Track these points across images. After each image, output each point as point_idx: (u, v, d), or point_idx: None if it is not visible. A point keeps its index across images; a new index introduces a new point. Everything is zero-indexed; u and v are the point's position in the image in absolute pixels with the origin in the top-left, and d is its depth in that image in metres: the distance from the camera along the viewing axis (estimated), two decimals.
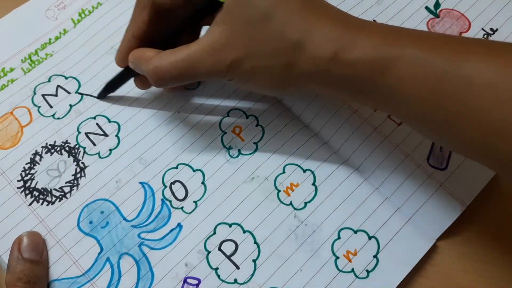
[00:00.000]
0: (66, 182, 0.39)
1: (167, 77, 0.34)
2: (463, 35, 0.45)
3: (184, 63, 0.33)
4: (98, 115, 0.42)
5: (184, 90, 0.43)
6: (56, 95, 0.42)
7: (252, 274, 0.37)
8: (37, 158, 0.40)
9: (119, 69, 0.40)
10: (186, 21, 0.36)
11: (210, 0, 0.33)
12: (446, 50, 0.29)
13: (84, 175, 0.39)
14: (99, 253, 0.37)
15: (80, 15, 0.46)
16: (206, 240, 0.37)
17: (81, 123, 0.41)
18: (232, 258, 0.37)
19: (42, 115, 0.42)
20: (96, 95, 0.42)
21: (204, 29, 0.39)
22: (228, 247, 0.37)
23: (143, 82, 0.40)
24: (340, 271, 0.37)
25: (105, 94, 0.42)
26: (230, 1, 0.32)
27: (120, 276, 0.36)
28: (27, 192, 0.39)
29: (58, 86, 0.43)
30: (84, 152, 0.40)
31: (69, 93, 0.43)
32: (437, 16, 0.46)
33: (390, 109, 0.32)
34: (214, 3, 0.33)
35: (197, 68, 0.33)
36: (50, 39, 0.45)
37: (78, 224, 0.38)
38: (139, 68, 0.36)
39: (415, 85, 0.29)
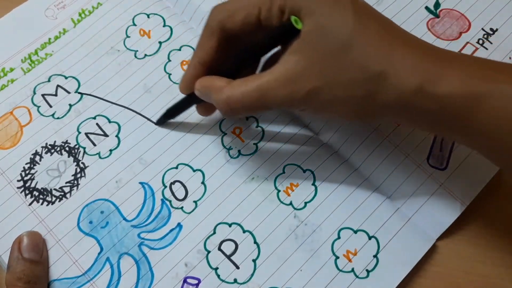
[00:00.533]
0: (66, 182, 0.39)
1: (238, 108, 0.33)
2: (463, 35, 0.45)
3: (257, 93, 0.32)
4: (98, 115, 0.42)
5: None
6: (55, 94, 0.42)
7: (252, 274, 0.37)
8: (37, 158, 0.40)
9: (179, 95, 0.39)
10: (256, 48, 0.34)
11: (287, 27, 0.32)
12: None
13: (84, 175, 0.39)
14: (99, 253, 0.37)
15: (80, 15, 0.46)
16: (206, 240, 0.37)
17: (81, 123, 0.41)
18: (232, 258, 0.37)
19: (41, 114, 0.42)
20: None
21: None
22: (228, 247, 0.37)
23: (207, 109, 0.39)
24: (340, 271, 0.37)
25: (164, 120, 0.41)
26: (308, 29, 0.31)
27: (120, 276, 0.36)
28: (27, 192, 0.39)
29: (58, 86, 0.43)
30: (84, 152, 0.40)
31: (68, 92, 0.43)
32: (437, 16, 0.46)
33: (478, 145, 0.31)
34: (290, 31, 0.31)
35: (271, 98, 0.32)
36: (49, 39, 0.45)
37: (78, 224, 0.38)
38: (208, 96, 0.35)
39: (510, 122, 0.28)
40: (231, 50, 0.35)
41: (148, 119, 0.42)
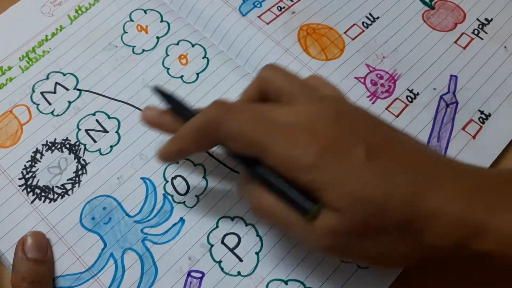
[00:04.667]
0: (67, 179, 0.39)
1: (263, 214, 0.32)
2: (458, 25, 0.45)
3: (285, 228, 0.31)
4: (97, 111, 0.42)
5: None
6: (54, 92, 0.42)
7: (255, 266, 0.37)
8: (38, 156, 0.40)
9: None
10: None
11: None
12: None
13: (86, 172, 0.39)
14: (103, 249, 0.37)
15: (77, 11, 0.46)
16: (209, 234, 0.38)
17: (81, 119, 0.41)
18: (235, 251, 0.37)
19: (41, 112, 0.42)
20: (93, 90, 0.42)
21: None
22: (231, 240, 0.38)
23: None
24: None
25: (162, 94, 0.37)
26: (340, 205, 0.28)
27: (124, 271, 0.36)
28: (28, 190, 0.39)
29: (56, 83, 0.43)
30: (85, 149, 0.40)
31: (67, 89, 0.43)
32: (432, 7, 0.46)
33: None
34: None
35: (297, 238, 0.32)
36: (46, 36, 0.45)
37: (80, 220, 0.38)
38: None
39: None
40: None
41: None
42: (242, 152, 0.30)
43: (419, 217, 0.28)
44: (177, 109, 0.35)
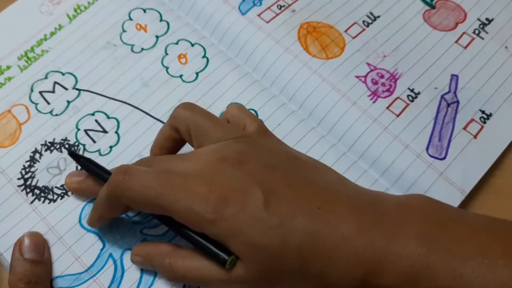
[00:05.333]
0: None
1: (182, 280, 0.34)
2: (459, 25, 0.45)
3: (199, 281, 0.32)
4: (96, 111, 0.42)
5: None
6: (53, 91, 0.42)
7: None
8: (37, 156, 0.40)
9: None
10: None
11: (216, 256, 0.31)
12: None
13: None
14: (102, 249, 0.37)
15: (75, 10, 0.45)
16: None
17: (80, 119, 0.41)
18: None
19: (40, 112, 0.41)
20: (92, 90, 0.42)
21: None
22: None
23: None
24: None
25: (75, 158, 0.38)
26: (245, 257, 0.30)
27: (123, 271, 0.36)
28: (28, 190, 0.39)
29: (55, 82, 0.43)
30: (84, 149, 0.40)
31: (66, 89, 0.42)
32: (433, 7, 0.46)
33: None
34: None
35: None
36: (45, 35, 0.44)
37: (80, 221, 0.38)
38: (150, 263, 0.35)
39: None
40: None
41: (147, 113, 0.41)
42: (153, 213, 0.32)
43: (317, 258, 0.28)
44: (95, 172, 0.36)
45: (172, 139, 0.36)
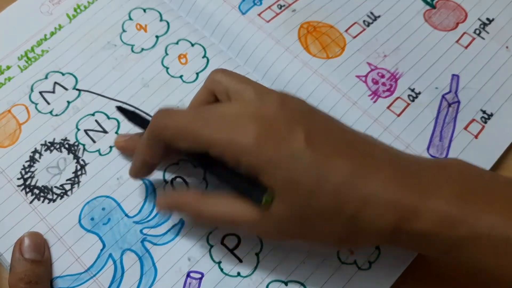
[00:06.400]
0: (66, 180, 0.39)
1: (207, 224, 0.35)
2: (460, 25, 0.45)
3: (229, 223, 0.33)
4: (96, 112, 0.41)
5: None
6: (53, 91, 0.42)
7: (255, 267, 0.37)
8: (37, 155, 0.40)
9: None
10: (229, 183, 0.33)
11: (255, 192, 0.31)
12: None
13: (85, 172, 0.39)
14: (102, 250, 0.37)
15: (75, 10, 0.45)
16: (208, 235, 0.37)
17: (80, 120, 0.41)
18: (235, 251, 0.37)
19: (40, 112, 0.41)
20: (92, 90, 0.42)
21: None
22: (231, 241, 0.37)
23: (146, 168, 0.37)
24: (343, 262, 0.37)
25: (124, 113, 0.38)
26: (279, 187, 0.30)
27: (123, 272, 0.36)
28: (27, 190, 0.39)
29: (55, 82, 0.43)
30: (84, 149, 0.40)
31: (66, 89, 0.42)
32: (434, 7, 0.46)
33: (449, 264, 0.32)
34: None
35: (243, 229, 0.34)
36: (45, 35, 0.44)
37: (79, 221, 0.38)
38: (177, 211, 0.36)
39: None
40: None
41: (147, 114, 0.41)
42: (190, 149, 0.32)
43: (352, 200, 0.29)
44: (141, 124, 0.37)
45: (206, 103, 0.35)
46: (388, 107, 0.41)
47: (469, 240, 0.28)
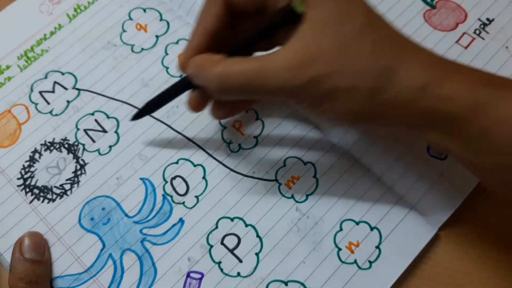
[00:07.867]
0: (66, 180, 0.39)
1: (232, 85, 0.31)
2: (460, 25, 0.45)
3: (256, 74, 0.30)
4: (96, 111, 0.41)
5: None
6: (53, 91, 0.42)
7: (255, 267, 0.37)
8: (36, 155, 0.40)
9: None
10: (258, 32, 0.33)
11: (287, 13, 0.31)
12: None
13: (85, 172, 0.39)
14: (101, 250, 0.37)
15: (75, 10, 0.45)
16: (208, 235, 0.37)
17: (80, 119, 0.41)
18: (234, 251, 0.37)
19: (39, 112, 0.41)
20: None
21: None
22: (231, 241, 0.37)
23: (199, 100, 0.35)
24: (343, 262, 0.37)
25: (141, 116, 0.38)
26: (319, 16, 0.30)
27: (123, 272, 0.36)
28: (27, 190, 0.38)
29: (55, 82, 0.43)
30: (84, 149, 0.40)
31: (66, 89, 0.42)
32: (434, 7, 0.46)
33: (470, 154, 0.30)
34: (291, 16, 0.30)
35: (270, 80, 0.29)
36: (45, 35, 0.44)
37: (79, 221, 0.38)
38: (201, 75, 0.32)
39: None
40: (233, 27, 0.34)
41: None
42: None
43: (387, 51, 0.30)
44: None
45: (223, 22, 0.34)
46: None
47: (492, 105, 0.28)
